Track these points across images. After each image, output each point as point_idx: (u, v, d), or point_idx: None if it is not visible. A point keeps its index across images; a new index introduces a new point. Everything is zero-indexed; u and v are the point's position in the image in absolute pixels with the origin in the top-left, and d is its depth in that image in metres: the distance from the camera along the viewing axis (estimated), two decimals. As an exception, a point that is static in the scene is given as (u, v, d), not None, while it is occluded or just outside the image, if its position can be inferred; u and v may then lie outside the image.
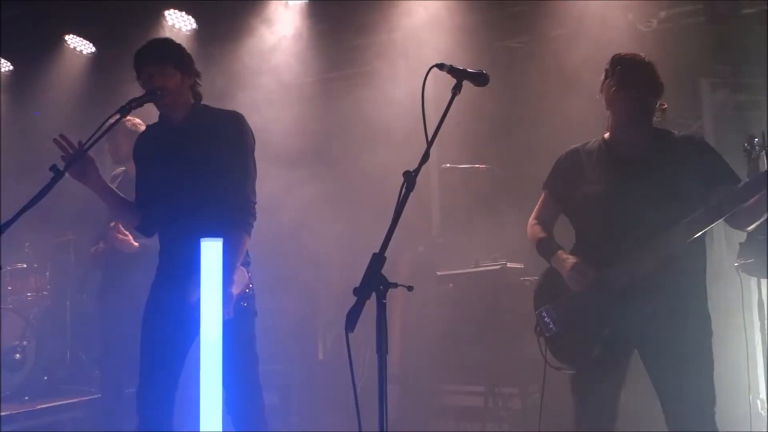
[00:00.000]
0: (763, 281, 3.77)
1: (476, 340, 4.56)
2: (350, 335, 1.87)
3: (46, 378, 5.52)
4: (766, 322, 3.69)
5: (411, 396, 4.90)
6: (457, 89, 2.28)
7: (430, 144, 2.13)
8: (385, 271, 1.93)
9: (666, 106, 2.73)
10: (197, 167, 2.92)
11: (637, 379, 2.71)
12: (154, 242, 3.98)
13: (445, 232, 5.68)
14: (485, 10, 5.45)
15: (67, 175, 2.66)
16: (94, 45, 6.54)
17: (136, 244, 3.95)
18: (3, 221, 2.37)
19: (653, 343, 2.59)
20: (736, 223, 2.60)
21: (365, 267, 1.92)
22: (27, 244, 5.95)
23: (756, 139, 2.86)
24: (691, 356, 2.53)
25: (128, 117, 4.09)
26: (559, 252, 2.77)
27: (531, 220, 2.99)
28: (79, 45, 6.55)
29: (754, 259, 3.46)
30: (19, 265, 5.78)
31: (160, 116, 3.09)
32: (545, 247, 2.85)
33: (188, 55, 3.05)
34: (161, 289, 3.03)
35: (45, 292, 5.74)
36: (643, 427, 3.38)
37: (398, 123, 5.10)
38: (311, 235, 5.37)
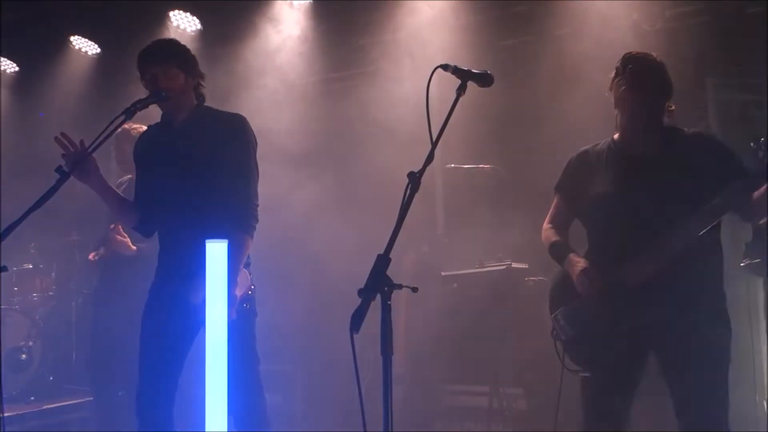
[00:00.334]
0: (769, 281, 3.76)
1: (481, 340, 4.55)
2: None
3: (51, 378, 5.54)
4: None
5: (415, 396, 4.90)
6: (461, 90, 2.28)
7: (434, 145, 2.13)
8: (390, 271, 1.93)
9: (674, 107, 2.72)
10: (198, 169, 2.92)
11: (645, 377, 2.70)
12: (151, 247, 4.01)
13: (450, 233, 5.67)
14: (489, 10, 5.44)
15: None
16: (99, 46, 6.56)
17: (133, 247, 3.96)
18: (10, 222, 2.38)
19: (669, 345, 2.55)
20: (748, 215, 2.57)
21: (370, 268, 1.92)
22: (33, 244, 5.97)
23: (762, 139, 2.85)
24: (708, 359, 2.50)
25: (134, 125, 4.13)
26: (571, 255, 2.75)
27: (545, 224, 2.98)
28: (84, 46, 6.56)
29: (760, 259, 3.45)
30: (25, 266, 5.80)
31: (162, 117, 3.09)
32: (558, 250, 2.84)
33: (192, 56, 3.05)
34: (161, 290, 3.04)
35: (51, 293, 5.76)
36: (652, 427, 3.37)
37: (402, 123, 5.09)
38: (315, 236, 5.38)
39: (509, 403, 4.45)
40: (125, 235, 3.90)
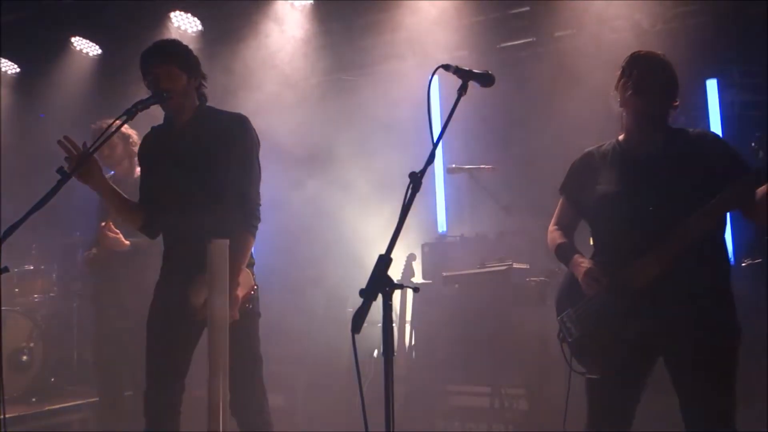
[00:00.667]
0: (771, 281, 3.75)
1: (482, 340, 4.55)
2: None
3: (53, 379, 5.53)
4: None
5: (417, 396, 4.90)
6: (462, 90, 2.28)
7: (435, 145, 2.13)
8: (392, 272, 1.93)
9: (678, 102, 2.70)
10: (201, 169, 2.93)
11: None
12: (144, 241, 4.01)
13: (451, 233, 5.68)
14: (490, 11, 5.45)
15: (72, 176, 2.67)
16: (100, 47, 6.56)
17: (126, 242, 3.95)
18: (11, 223, 2.38)
19: (675, 343, 2.53)
20: (752, 212, 2.54)
21: (371, 268, 1.92)
22: (34, 245, 5.97)
23: (757, 135, 2.84)
24: (717, 360, 2.48)
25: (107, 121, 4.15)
26: (576, 256, 2.75)
27: (551, 226, 2.96)
28: (85, 47, 6.56)
29: (762, 259, 3.45)
30: (27, 267, 5.80)
31: (165, 118, 3.10)
32: (563, 252, 2.83)
33: (195, 57, 3.05)
34: (165, 290, 3.04)
35: (52, 294, 5.75)
36: (655, 427, 3.36)
37: (404, 123, 5.10)
38: (316, 236, 5.38)
39: (510, 403, 4.45)
40: (117, 231, 3.90)
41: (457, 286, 4.83)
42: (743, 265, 3.61)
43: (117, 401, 4.35)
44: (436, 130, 2.15)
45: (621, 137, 2.76)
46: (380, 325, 1.90)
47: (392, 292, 1.90)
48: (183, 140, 2.99)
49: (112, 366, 4.28)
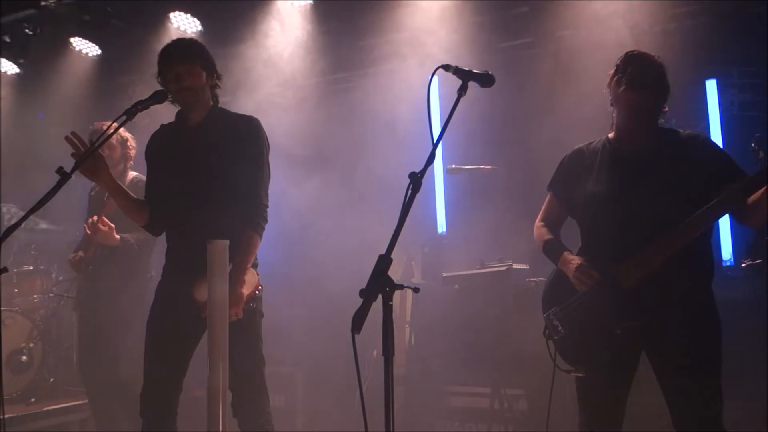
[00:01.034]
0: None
1: (482, 341, 4.55)
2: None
3: (52, 380, 5.53)
4: None
5: (416, 397, 4.90)
6: (462, 90, 2.28)
7: (435, 145, 2.13)
8: (391, 272, 1.93)
9: (667, 109, 2.71)
10: (212, 169, 2.95)
11: (642, 376, 2.70)
12: (135, 237, 4.00)
13: (451, 233, 5.67)
14: (490, 11, 5.44)
15: (74, 176, 2.68)
16: (100, 47, 6.55)
17: (117, 236, 3.96)
18: (10, 224, 2.38)
19: (661, 344, 2.57)
20: (744, 218, 2.57)
21: (371, 268, 1.92)
22: (33, 245, 5.97)
23: (757, 135, 2.85)
24: (699, 357, 2.51)
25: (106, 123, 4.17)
26: (565, 253, 2.77)
27: (537, 222, 2.99)
28: (84, 47, 6.56)
29: (761, 259, 3.45)
30: (26, 267, 5.79)
31: (177, 116, 3.12)
32: (551, 249, 2.85)
33: (212, 57, 3.09)
34: (167, 290, 3.04)
35: (51, 294, 5.75)
36: (648, 427, 3.36)
37: (404, 124, 5.10)
38: (317, 236, 5.38)
39: (510, 403, 4.45)
40: (111, 225, 3.91)
41: (456, 286, 4.83)
42: (743, 265, 3.61)
43: (104, 403, 4.32)
44: (436, 130, 2.16)
45: (611, 135, 2.77)
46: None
47: (392, 293, 1.90)
48: (195, 139, 3.01)
49: (97, 368, 4.25)
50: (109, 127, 2.77)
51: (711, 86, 4.91)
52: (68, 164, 2.66)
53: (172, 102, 3.01)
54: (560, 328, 2.74)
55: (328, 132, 6.01)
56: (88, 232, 3.95)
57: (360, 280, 1.92)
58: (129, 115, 2.76)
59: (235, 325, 2.68)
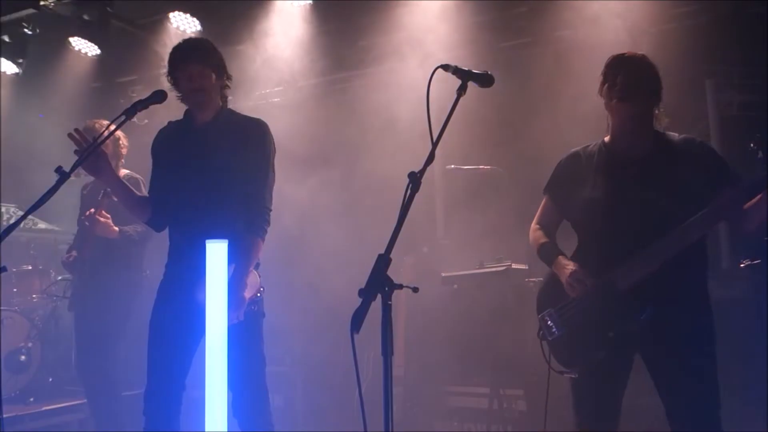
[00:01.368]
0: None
1: (481, 341, 4.55)
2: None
3: (51, 380, 5.53)
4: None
5: (415, 397, 4.90)
6: (462, 90, 2.28)
7: (435, 145, 2.13)
8: (390, 272, 1.93)
9: (660, 111, 2.70)
10: (217, 169, 2.96)
11: (641, 377, 2.70)
12: (133, 230, 4.00)
13: (450, 234, 5.67)
14: (490, 11, 5.44)
15: (72, 175, 2.68)
16: (99, 47, 6.55)
17: (116, 228, 3.96)
18: (9, 224, 2.38)
19: (656, 346, 2.57)
20: (739, 226, 2.55)
21: (370, 268, 1.92)
22: (32, 245, 5.97)
23: (757, 136, 2.84)
24: (694, 358, 2.51)
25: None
26: (560, 257, 2.76)
27: (533, 224, 2.98)
28: (84, 47, 6.55)
29: (761, 260, 3.45)
30: (25, 267, 5.79)
31: (185, 114, 3.12)
32: (546, 252, 2.84)
33: (222, 58, 3.10)
34: (170, 289, 3.04)
35: (47, 294, 5.75)
36: (646, 426, 3.36)
37: (403, 124, 5.09)
38: (317, 237, 5.38)
39: (509, 404, 4.45)
40: (107, 216, 3.91)
41: (455, 286, 4.83)
42: (741, 266, 3.60)
43: (103, 404, 4.32)
44: (436, 130, 2.15)
45: (607, 139, 2.76)
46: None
47: (391, 292, 1.90)
48: (202, 139, 3.02)
49: (94, 368, 4.25)
50: (107, 126, 2.77)
51: (710, 86, 4.90)
52: (68, 164, 2.65)
53: (182, 101, 3.02)
54: (554, 329, 2.74)
55: (327, 132, 6.01)
56: (87, 224, 3.95)
57: (359, 279, 1.92)
58: (128, 115, 2.76)
59: (237, 325, 2.68)
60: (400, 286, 1.91)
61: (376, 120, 5.45)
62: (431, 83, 2.23)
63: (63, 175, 2.57)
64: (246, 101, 5.82)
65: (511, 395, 4.46)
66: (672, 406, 2.54)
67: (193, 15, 6.01)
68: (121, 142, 4.35)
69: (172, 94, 3.03)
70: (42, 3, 5.80)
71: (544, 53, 5.34)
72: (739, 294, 3.70)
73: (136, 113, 2.77)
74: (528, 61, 5.47)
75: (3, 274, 2.37)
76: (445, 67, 2.29)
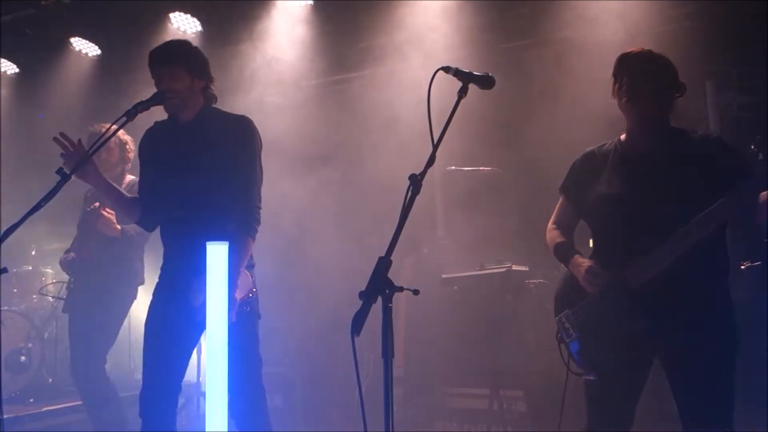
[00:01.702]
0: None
1: (481, 342, 4.55)
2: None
3: (50, 380, 5.53)
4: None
5: (415, 398, 4.90)
6: (462, 92, 2.28)
7: (435, 147, 2.12)
8: (391, 274, 1.92)
9: (681, 94, 2.66)
10: (202, 168, 2.92)
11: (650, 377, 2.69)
12: (134, 228, 4.00)
13: (450, 234, 5.67)
14: (490, 11, 5.44)
15: (73, 177, 2.68)
16: (100, 47, 6.55)
17: (118, 226, 3.96)
18: (10, 224, 2.39)
19: (674, 346, 2.53)
20: (754, 215, 2.49)
21: (371, 270, 1.92)
22: (33, 246, 5.97)
23: (757, 137, 2.83)
24: (715, 361, 2.48)
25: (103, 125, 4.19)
26: (576, 256, 2.73)
27: (549, 224, 2.95)
28: (84, 47, 6.55)
29: (761, 261, 3.45)
30: (25, 268, 5.80)
31: (170, 114, 3.10)
32: (563, 251, 2.82)
33: (202, 59, 3.06)
34: (164, 291, 3.03)
35: (44, 294, 5.75)
36: (655, 426, 3.36)
37: (404, 124, 5.09)
38: (316, 238, 5.37)
39: (509, 405, 4.45)
40: (111, 212, 3.91)
41: (456, 287, 4.82)
42: (742, 267, 3.60)
43: (97, 405, 4.31)
44: (436, 132, 2.15)
45: (623, 137, 2.75)
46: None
47: (392, 294, 1.90)
48: (186, 138, 2.99)
49: (88, 370, 4.24)
50: (108, 128, 2.77)
51: (710, 87, 4.91)
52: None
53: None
54: (572, 331, 2.72)
55: (328, 133, 6.00)
56: (91, 218, 3.95)
57: (359, 280, 1.92)
58: (129, 116, 2.76)
59: (232, 327, 2.67)
60: (401, 289, 1.91)
61: (377, 120, 5.45)
62: (432, 85, 2.22)
63: (64, 176, 2.58)
64: (246, 101, 5.81)
65: (511, 396, 4.46)
66: (688, 406, 2.51)
67: (193, 15, 6.02)
68: (128, 147, 4.34)
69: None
70: (42, 3, 5.80)
71: (545, 54, 5.34)
72: (739, 295, 3.69)
73: (137, 114, 2.77)
74: (529, 61, 5.47)
75: (3, 275, 2.37)
76: (446, 70, 2.29)
